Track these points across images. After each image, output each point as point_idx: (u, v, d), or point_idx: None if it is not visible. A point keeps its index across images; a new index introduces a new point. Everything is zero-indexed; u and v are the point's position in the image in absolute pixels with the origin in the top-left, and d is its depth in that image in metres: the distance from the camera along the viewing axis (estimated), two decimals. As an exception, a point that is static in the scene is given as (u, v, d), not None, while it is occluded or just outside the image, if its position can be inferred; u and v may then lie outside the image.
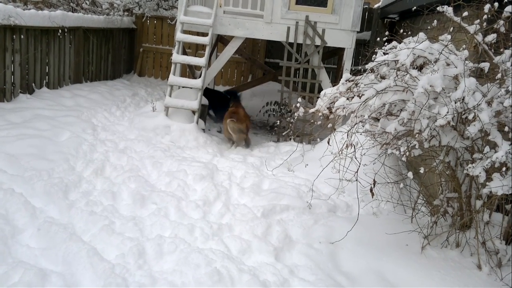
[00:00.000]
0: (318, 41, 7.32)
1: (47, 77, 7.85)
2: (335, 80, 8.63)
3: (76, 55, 8.70)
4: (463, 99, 3.12)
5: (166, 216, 4.19)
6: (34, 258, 3.34)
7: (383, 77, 3.48)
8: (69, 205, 4.15)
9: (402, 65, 3.24)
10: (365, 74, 3.57)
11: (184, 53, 8.07)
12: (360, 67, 4.20)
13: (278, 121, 7.29)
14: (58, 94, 7.63)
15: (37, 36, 7.39)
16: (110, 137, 6.20)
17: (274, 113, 8.49)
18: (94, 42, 9.37)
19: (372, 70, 3.49)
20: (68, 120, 6.32)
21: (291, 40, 7.34)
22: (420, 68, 3.41)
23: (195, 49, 11.27)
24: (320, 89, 7.38)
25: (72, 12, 10.25)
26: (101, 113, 7.24)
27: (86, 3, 10.60)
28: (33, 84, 7.45)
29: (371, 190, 3.68)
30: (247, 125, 6.90)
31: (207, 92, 8.01)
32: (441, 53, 3.25)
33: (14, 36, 6.80)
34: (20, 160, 4.82)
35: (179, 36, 7.23)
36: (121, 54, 11.02)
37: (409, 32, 4.05)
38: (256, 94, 9.84)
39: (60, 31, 7.96)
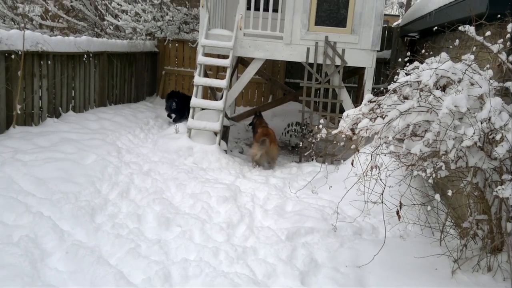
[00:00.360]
0: (338, 61, 7.35)
1: (73, 101, 8.07)
2: (356, 99, 8.62)
3: (100, 79, 8.92)
4: (489, 119, 3.08)
5: (190, 239, 4.20)
6: (62, 282, 3.38)
7: (406, 98, 3.47)
8: (96, 228, 4.21)
9: (425, 85, 3.23)
10: (387, 95, 3.56)
11: (206, 75, 8.20)
12: (381, 86, 4.19)
13: (300, 142, 7.29)
14: (83, 118, 7.83)
15: (64, 61, 7.62)
16: (135, 160, 6.30)
17: (296, 133, 8.50)
18: (118, 66, 9.61)
19: (394, 91, 3.48)
20: (93, 143, 6.46)
21: (311, 60, 7.39)
22: (443, 88, 3.38)
23: (216, 71, 11.43)
24: (341, 109, 7.38)
25: (97, 37, 10.58)
26: (125, 135, 7.38)
27: (110, 28, 10.91)
28: (60, 108, 7.66)
29: (397, 212, 3.63)
30: (277, 147, 6.95)
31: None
32: (465, 73, 3.23)
33: (42, 62, 7.03)
34: (48, 183, 4.93)
35: (201, 59, 7.36)
36: (144, 77, 11.26)
37: (431, 52, 4.03)
38: (277, 115, 9.88)
39: (85, 56, 8.20)
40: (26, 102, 6.68)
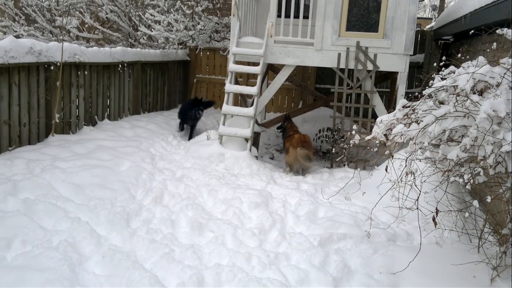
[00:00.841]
0: (370, 66, 7.28)
1: (108, 109, 8.30)
2: (388, 104, 8.50)
3: (134, 88, 9.15)
4: (530, 124, 2.98)
5: (223, 244, 4.23)
6: (99, 286, 3.47)
7: (441, 103, 3.40)
8: (131, 233, 4.30)
9: (462, 90, 3.16)
10: (422, 100, 3.50)
11: (236, 82, 8.28)
12: (415, 91, 4.13)
13: (332, 147, 7.24)
14: (118, 126, 8.04)
15: (99, 71, 7.87)
16: (168, 166, 6.41)
17: (327, 139, 8.44)
18: (151, 75, 9.83)
19: (430, 96, 3.42)
20: (128, 150, 6.61)
21: (342, 66, 7.35)
22: (481, 93, 3.30)
23: (247, 78, 11.52)
24: (374, 114, 7.29)
25: (131, 47, 10.86)
26: (159, 142, 7.53)
27: (144, 38, 11.19)
28: (96, 117, 7.89)
29: (433, 218, 3.55)
30: (312, 153, 6.92)
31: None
32: (503, 76, 3.14)
33: (79, 72, 7.28)
34: (85, 189, 5.08)
35: (232, 66, 7.44)
36: (176, 85, 11.47)
37: (467, 56, 3.94)
38: (308, 120, 9.85)
39: (120, 66, 8.43)
40: (64, 111, 6.92)
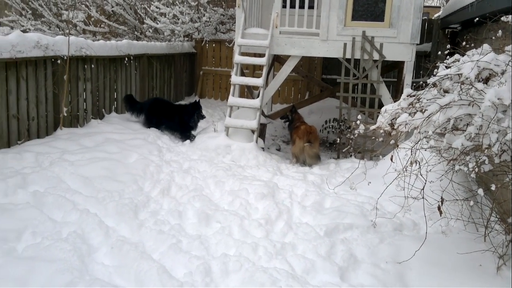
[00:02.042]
0: (376, 56, 7.24)
1: (115, 102, 8.35)
2: (395, 94, 8.46)
3: (141, 81, 9.19)
4: (535, 111, 2.96)
5: (230, 234, 4.27)
6: (108, 276, 3.53)
7: (446, 91, 3.39)
8: (139, 224, 4.35)
9: (466, 78, 3.15)
10: (427, 88, 3.49)
11: (242, 74, 8.28)
12: (421, 80, 4.11)
13: (338, 138, 7.23)
14: (125, 118, 8.09)
15: (106, 64, 7.90)
16: (175, 158, 6.45)
17: (333, 129, 8.44)
18: (157, 68, 9.86)
19: (434, 85, 3.41)
20: (135, 142, 6.66)
21: (348, 56, 7.32)
22: (486, 81, 3.28)
23: (253, 70, 11.51)
24: (380, 104, 7.27)
25: (137, 40, 10.89)
26: (166, 134, 7.57)
27: (149, 31, 11.20)
28: (103, 110, 7.95)
29: (439, 208, 3.55)
30: (319, 145, 6.93)
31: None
32: (508, 64, 3.12)
33: (86, 66, 7.32)
34: (94, 182, 5.14)
35: (237, 58, 7.44)
36: (183, 77, 11.50)
37: (472, 44, 3.91)
38: (314, 111, 9.84)
39: (126, 59, 8.46)
40: (72, 105, 6.97)
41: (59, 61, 6.55)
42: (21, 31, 6.93)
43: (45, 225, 4.05)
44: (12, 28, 13.09)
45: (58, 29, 12.15)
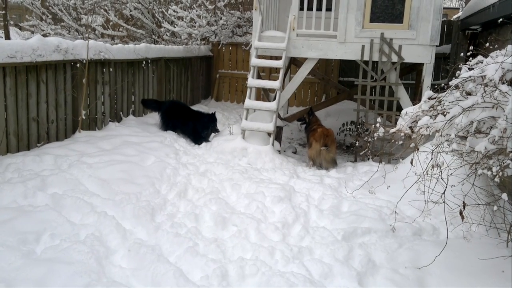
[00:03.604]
0: (394, 58, 7.15)
1: (133, 105, 8.42)
2: (413, 97, 8.34)
3: (158, 84, 9.25)
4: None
5: (246, 238, 4.24)
6: (125, 278, 3.53)
7: (469, 94, 3.31)
8: (156, 227, 4.36)
9: (490, 80, 3.07)
10: (449, 91, 3.42)
11: (259, 77, 8.26)
12: (441, 82, 4.03)
13: (356, 141, 7.15)
14: (143, 121, 8.14)
15: (124, 68, 7.98)
16: (191, 161, 6.46)
17: (351, 132, 8.35)
18: (174, 71, 9.91)
19: (456, 87, 3.33)
20: (152, 145, 6.70)
21: (366, 58, 7.24)
22: (510, 83, 3.20)
23: (269, 72, 11.49)
24: (398, 107, 7.17)
25: (154, 44, 10.98)
26: (182, 137, 7.60)
27: (167, 35, 11.28)
28: (121, 113, 8.01)
29: (460, 212, 3.47)
30: (335, 148, 6.87)
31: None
32: (534, 65, 3.04)
33: (104, 69, 7.39)
34: (111, 184, 5.17)
35: (254, 61, 7.43)
36: (199, 80, 11.54)
37: (495, 45, 3.82)
38: (331, 114, 9.76)
39: (144, 62, 8.53)
40: (90, 108, 7.05)
41: (78, 65, 6.64)
42: (42, 35, 7.03)
43: (63, 227, 4.08)
44: (32, 32, 13.36)
45: (77, 33, 12.34)
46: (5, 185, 4.68)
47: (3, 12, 16.60)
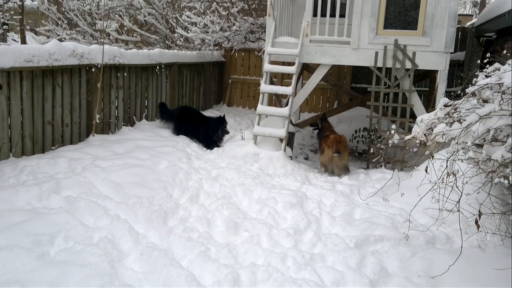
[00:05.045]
0: (408, 65, 7.11)
1: (146, 110, 8.48)
2: (427, 104, 8.28)
3: (171, 89, 9.31)
4: None
5: (258, 243, 4.23)
6: (138, 282, 3.54)
7: (486, 101, 3.28)
8: (168, 231, 4.37)
9: (508, 88, 3.04)
10: (465, 98, 3.39)
11: (271, 82, 8.27)
12: (456, 90, 4.00)
13: (368, 148, 7.11)
14: (155, 126, 8.20)
15: (138, 73, 8.05)
16: (203, 165, 6.48)
17: (363, 139, 8.31)
18: (187, 76, 9.97)
19: (473, 94, 3.30)
20: (165, 150, 6.74)
21: (379, 64, 7.22)
22: (528, 90, 3.16)
23: (281, 78, 11.51)
24: (412, 114, 7.12)
25: (168, 49, 11.07)
26: (194, 142, 7.63)
27: (180, 40, 11.36)
28: (134, 117, 8.08)
29: (476, 221, 3.43)
30: (348, 155, 6.84)
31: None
32: (552, 73, 3.00)
33: (118, 74, 7.47)
34: (124, 188, 5.21)
35: (267, 67, 7.45)
36: (212, 86, 11.59)
37: (513, 52, 3.78)
38: (343, 120, 9.73)
39: (157, 67, 8.60)
40: (104, 112, 7.12)
41: (93, 69, 6.71)
42: (57, 40, 7.13)
43: (77, 230, 4.12)
44: (48, 37, 13.56)
45: (92, 38, 12.49)
46: (20, 187, 4.74)
47: (20, 17, 16.91)
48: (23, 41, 16.64)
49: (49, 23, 13.35)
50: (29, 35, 18.63)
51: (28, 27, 20.82)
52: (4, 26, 19.02)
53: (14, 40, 21.17)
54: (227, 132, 7.86)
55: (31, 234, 3.86)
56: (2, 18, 18.70)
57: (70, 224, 4.17)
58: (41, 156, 5.77)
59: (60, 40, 11.25)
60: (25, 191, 4.68)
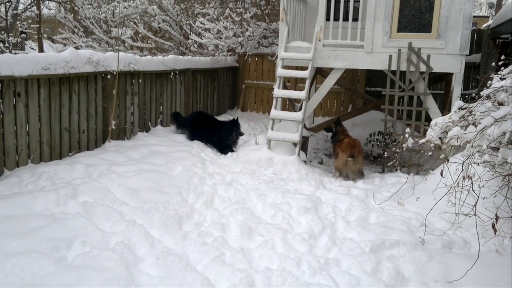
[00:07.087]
0: (423, 68, 7.05)
1: (161, 115, 8.57)
2: (442, 107, 8.21)
3: (185, 94, 9.39)
4: None
5: (273, 248, 4.23)
6: (154, 286, 3.57)
7: (501, 104, 3.24)
8: (183, 236, 4.40)
9: (524, 90, 3.00)
10: (480, 101, 3.36)
11: (284, 87, 8.29)
12: (472, 92, 3.96)
13: (383, 152, 7.06)
14: (170, 131, 8.27)
15: (153, 79, 8.14)
16: (218, 170, 6.51)
17: (378, 143, 8.26)
18: (201, 82, 10.05)
19: (488, 97, 3.27)
20: (180, 155, 6.79)
21: (393, 68, 7.18)
22: (545, 92, 3.12)
23: (295, 82, 11.51)
24: (427, 117, 7.06)
25: (182, 55, 11.16)
26: (209, 147, 7.67)
27: (194, 46, 11.46)
28: (149, 123, 8.16)
29: (493, 225, 3.38)
30: (362, 159, 6.81)
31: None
32: None
33: (133, 81, 7.57)
34: (140, 193, 5.27)
35: (280, 71, 7.47)
36: (225, 91, 11.65)
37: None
38: (357, 124, 9.69)
39: (172, 73, 8.68)
40: (120, 118, 7.21)
41: (108, 76, 6.81)
42: (74, 47, 7.26)
43: (94, 235, 4.17)
44: (64, 45, 13.80)
45: (107, 45, 12.67)
46: (39, 193, 4.82)
47: (37, 25, 17.25)
48: (41, 49, 16.95)
49: (65, 31, 13.59)
50: (46, 43, 18.99)
51: (45, 35, 21.23)
52: (22, 35, 19.41)
53: (32, 48, 21.61)
54: (242, 134, 7.88)
55: (49, 239, 3.93)
56: (20, 27, 19.09)
57: (87, 229, 4.23)
58: (59, 162, 5.87)
59: (77, 47, 11.45)
60: (43, 196, 4.77)
